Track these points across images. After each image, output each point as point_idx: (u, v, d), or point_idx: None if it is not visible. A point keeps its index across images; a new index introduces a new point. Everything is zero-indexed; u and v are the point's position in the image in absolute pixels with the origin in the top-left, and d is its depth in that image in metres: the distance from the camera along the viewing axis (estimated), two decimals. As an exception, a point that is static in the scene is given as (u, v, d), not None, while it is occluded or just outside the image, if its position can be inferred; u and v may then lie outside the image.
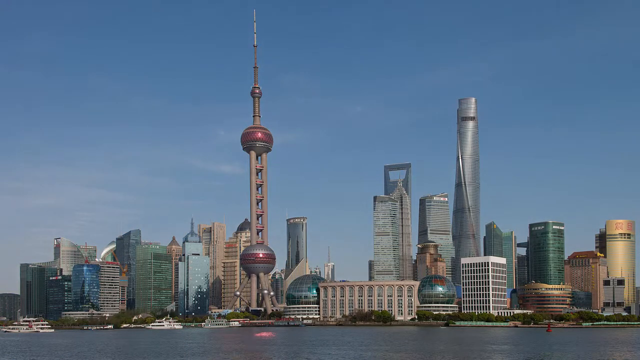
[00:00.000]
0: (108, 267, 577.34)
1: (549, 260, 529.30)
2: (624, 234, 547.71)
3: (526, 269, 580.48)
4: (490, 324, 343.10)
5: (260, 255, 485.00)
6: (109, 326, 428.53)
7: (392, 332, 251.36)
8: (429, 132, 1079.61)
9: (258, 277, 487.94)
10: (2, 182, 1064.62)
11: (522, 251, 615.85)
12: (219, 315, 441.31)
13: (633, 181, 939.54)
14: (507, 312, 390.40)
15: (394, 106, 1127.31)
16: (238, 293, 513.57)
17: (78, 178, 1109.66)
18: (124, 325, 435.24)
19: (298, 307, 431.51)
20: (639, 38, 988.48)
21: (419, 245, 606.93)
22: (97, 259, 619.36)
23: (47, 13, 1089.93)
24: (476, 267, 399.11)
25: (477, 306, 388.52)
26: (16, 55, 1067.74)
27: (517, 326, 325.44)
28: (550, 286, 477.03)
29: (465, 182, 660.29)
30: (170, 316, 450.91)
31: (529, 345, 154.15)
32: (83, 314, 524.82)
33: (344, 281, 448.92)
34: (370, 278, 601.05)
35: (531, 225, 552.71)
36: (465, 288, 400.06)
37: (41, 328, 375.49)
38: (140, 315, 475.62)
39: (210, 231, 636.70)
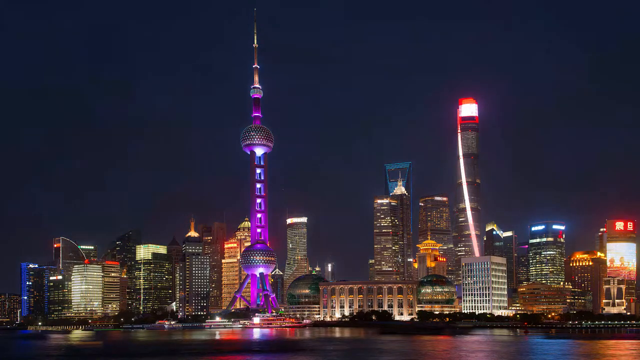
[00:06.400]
0: (108, 267, 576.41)
1: (549, 260, 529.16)
2: (624, 233, 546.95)
3: (526, 269, 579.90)
4: (490, 323, 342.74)
5: (260, 255, 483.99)
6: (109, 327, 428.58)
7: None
8: (429, 132, 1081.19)
9: (258, 278, 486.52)
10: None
11: (522, 251, 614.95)
12: (220, 315, 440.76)
13: (633, 181, 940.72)
14: (507, 312, 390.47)
15: (395, 105, 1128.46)
16: (238, 294, 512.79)
17: (78, 177, 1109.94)
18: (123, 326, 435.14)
19: (298, 307, 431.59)
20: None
21: (419, 245, 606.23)
22: (97, 259, 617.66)
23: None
24: (476, 267, 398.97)
25: (478, 306, 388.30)
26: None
27: (517, 327, 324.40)
28: (550, 286, 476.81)
29: (465, 182, 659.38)
30: (170, 316, 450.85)
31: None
32: (83, 314, 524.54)
33: (344, 281, 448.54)
34: (370, 278, 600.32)
35: (531, 225, 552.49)
36: (466, 288, 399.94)
37: None
38: (141, 316, 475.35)
39: (210, 231, 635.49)
